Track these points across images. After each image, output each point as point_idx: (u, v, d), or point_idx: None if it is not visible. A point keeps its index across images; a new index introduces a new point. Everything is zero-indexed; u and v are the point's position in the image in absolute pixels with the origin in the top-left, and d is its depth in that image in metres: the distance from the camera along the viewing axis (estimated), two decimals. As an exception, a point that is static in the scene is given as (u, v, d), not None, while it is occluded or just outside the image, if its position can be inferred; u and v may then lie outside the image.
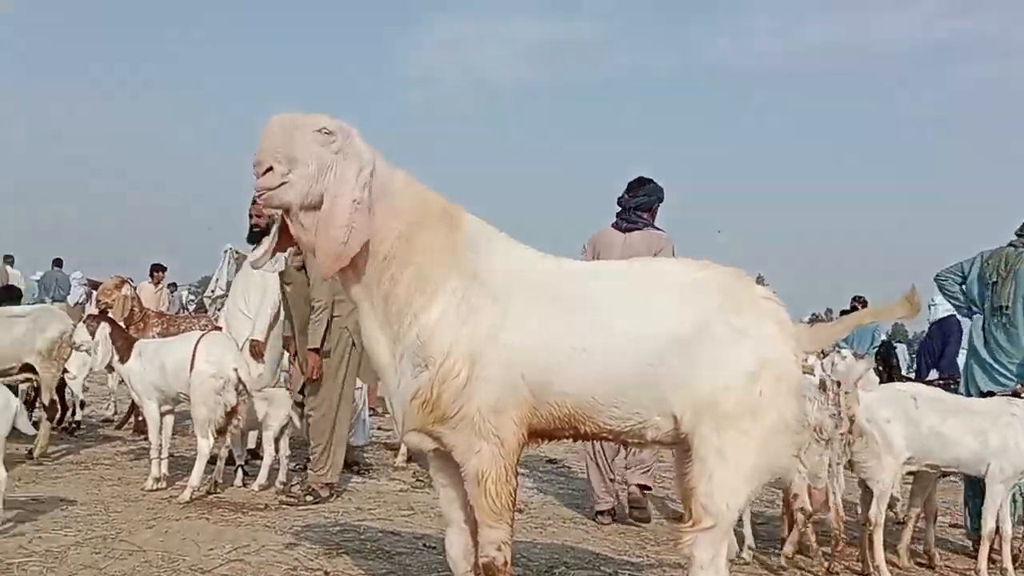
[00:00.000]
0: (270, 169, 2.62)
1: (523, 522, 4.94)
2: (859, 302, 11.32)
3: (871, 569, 4.35)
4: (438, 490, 2.96)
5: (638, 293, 2.78)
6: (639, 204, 5.39)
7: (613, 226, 5.44)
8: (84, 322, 5.76)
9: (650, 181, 5.44)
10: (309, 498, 5.29)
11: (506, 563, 2.74)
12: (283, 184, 2.64)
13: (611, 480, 5.35)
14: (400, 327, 2.70)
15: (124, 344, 5.63)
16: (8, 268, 17.75)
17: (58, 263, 18.64)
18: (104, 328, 5.60)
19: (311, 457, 5.45)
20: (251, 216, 6.25)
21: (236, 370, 5.33)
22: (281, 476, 5.72)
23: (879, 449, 4.35)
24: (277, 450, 5.79)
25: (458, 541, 2.92)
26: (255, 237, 6.36)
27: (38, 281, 18.38)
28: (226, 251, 9.84)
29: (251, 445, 6.20)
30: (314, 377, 5.36)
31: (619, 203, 5.45)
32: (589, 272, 2.96)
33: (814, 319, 13.22)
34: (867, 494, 4.45)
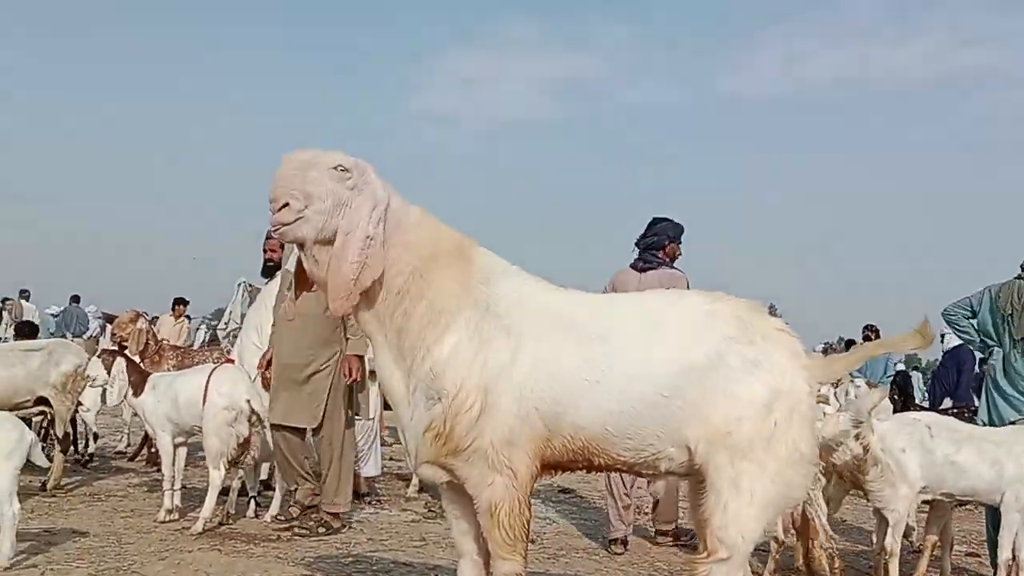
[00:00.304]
0: (286, 205, 2.66)
1: (535, 553, 4.91)
2: (871, 331, 11.28)
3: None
4: (450, 521, 2.96)
5: (652, 324, 2.78)
6: (651, 244, 5.48)
7: (631, 266, 5.55)
8: (100, 357, 5.81)
9: (664, 220, 5.53)
10: (321, 529, 5.28)
11: (519, 594, 2.73)
12: (299, 219, 2.67)
13: (626, 508, 5.32)
14: (413, 360, 2.72)
15: (138, 378, 5.67)
16: (23, 302, 17.91)
17: (75, 299, 18.73)
18: (120, 363, 5.66)
19: (321, 488, 5.43)
20: (265, 251, 6.35)
21: (249, 401, 5.36)
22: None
23: (894, 478, 4.33)
24: (289, 482, 5.78)
25: (471, 573, 2.91)
26: (269, 271, 6.45)
27: (54, 316, 18.47)
28: (240, 284, 9.91)
29: (263, 476, 6.21)
30: (357, 379, 5.35)
31: (636, 244, 5.54)
32: (602, 304, 2.97)
33: (827, 349, 13.17)
34: (882, 523, 4.42)
